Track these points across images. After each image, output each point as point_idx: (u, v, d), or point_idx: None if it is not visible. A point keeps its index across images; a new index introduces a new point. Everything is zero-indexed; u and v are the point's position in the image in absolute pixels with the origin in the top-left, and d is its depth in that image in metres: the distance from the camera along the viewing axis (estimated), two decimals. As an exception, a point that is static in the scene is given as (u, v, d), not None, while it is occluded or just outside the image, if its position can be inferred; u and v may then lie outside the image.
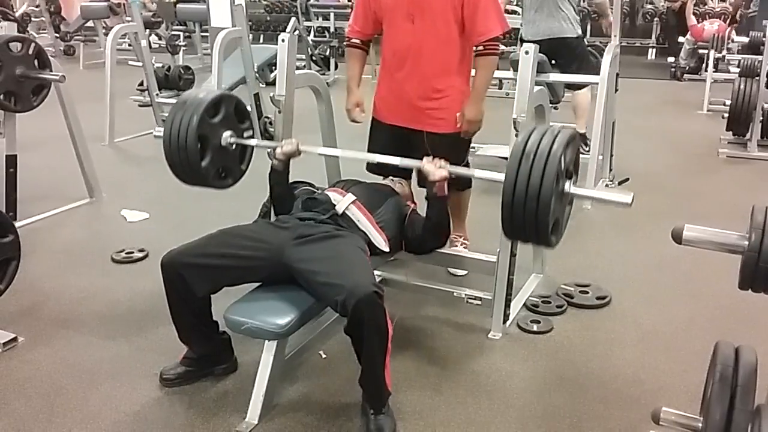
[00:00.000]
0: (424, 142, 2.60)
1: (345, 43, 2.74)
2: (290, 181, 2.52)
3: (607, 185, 4.09)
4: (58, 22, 10.26)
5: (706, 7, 8.92)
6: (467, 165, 2.69)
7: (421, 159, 2.61)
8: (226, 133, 2.26)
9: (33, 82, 3.22)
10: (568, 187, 1.77)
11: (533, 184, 1.66)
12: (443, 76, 2.51)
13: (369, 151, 2.75)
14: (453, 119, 2.54)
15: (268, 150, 2.57)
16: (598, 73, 3.87)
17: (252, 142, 2.35)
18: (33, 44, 3.18)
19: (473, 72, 2.60)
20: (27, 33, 9.12)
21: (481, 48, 2.46)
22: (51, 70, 3.26)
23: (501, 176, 1.76)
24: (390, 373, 1.88)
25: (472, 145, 2.85)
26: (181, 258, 1.95)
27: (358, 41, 2.66)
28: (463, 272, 2.78)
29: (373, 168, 2.70)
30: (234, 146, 2.29)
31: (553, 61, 4.11)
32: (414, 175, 2.59)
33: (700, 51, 7.52)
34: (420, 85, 2.53)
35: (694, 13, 8.47)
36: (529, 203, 1.67)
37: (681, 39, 8.39)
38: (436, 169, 2.10)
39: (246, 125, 2.36)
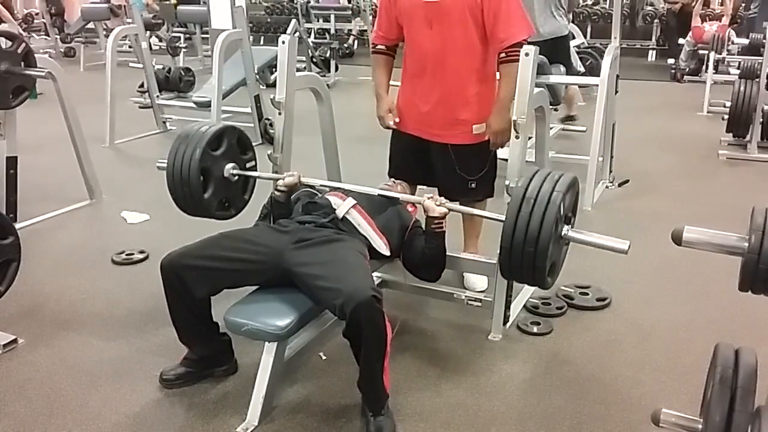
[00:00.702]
0: (446, 152, 2.55)
1: (371, 49, 2.71)
2: None
3: (607, 186, 4.10)
4: (59, 23, 10.28)
5: (708, 9, 8.93)
6: (494, 170, 2.63)
7: (441, 170, 2.59)
8: (229, 165, 2.29)
9: (16, 81, 3.15)
10: (566, 231, 1.79)
11: (532, 229, 1.69)
12: (465, 83, 2.45)
13: (390, 160, 2.73)
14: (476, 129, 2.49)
15: (269, 152, 2.58)
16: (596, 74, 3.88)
17: (254, 174, 2.38)
18: (23, 44, 3.13)
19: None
20: (28, 35, 9.15)
21: (503, 55, 2.38)
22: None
23: (501, 217, 1.79)
24: (389, 375, 1.88)
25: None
26: (181, 260, 1.95)
27: (383, 47, 2.62)
28: (483, 287, 2.69)
29: (390, 172, 2.69)
30: (236, 177, 2.31)
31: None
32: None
33: (701, 52, 7.52)
34: (441, 93, 2.48)
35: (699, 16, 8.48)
36: (527, 248, 1.70)
37: (681, 41, 8.40)
38: (437, 206, 2.11)
39: (248, 156, 2.38)
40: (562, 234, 1.78)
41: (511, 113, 2.42)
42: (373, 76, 2.68)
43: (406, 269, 2.28)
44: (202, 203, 2.24)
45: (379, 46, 2.64)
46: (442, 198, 2.15)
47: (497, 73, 2.49)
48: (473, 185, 2.54)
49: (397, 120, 2.62)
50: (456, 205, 2.18)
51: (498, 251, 2.34)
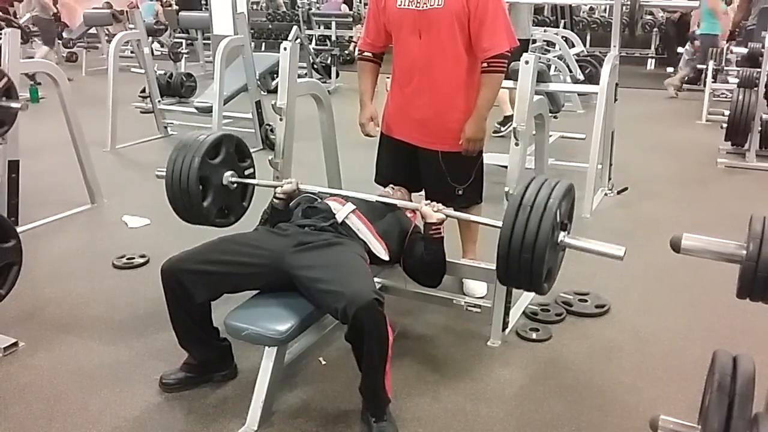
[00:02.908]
0: (434, 159, 2.55)
1: (357, 56, 2.70)
2: None
3: (606, 194, 4.11)
4: (60, 29, 10.30)
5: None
6: (481, 178, 2.64)
7: (430, 177, 2.60)
8: (227, 173, 2.30)
9: None
10: (562, 237, 1.81)
11: (529, 235, 1.71)
12: (452, 92, 2.46)
13: (377, 166, 2.74)
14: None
15: (270, 158, 2.59)
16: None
17: (252, 181, 2.39)
18: (6, 78, 2.98)
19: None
20: (31, 40, 9.17)
21: (485, 65, 2.40)
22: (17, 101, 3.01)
23: (498, 223, 1.80)
24: (390, 379, 1.88)
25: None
26: (181, 264, 1.96)
27: (369, 54, 2.62)
28: (482, 293, 2.70)
29: (376, 178, 2.71)
30: (235, 185, 2.32)
31: None
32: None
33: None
34: (429, 100, 2.48)
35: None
36: (524, 254, 1.72)
37: (680, 49, 8.43)
38: (434, 212, 2.13)
39: (247, 164, 2.39)
40: (558, 240, 1.80)
41: (487, 122, 2.47)
42: (359, 83, 2.67)
43: (408, 275, 2.29)
44: (202, 212, 2.26)
45: (365, 53, 2.64)
46: (440, 204, 2.17)
47: None
48: (460, 192, 2.55)
49: (378, 129, 2.63)
50: (453, 212, 2.20)
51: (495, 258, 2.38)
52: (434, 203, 2.17)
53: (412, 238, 2.26)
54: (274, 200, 2.30)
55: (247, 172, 2.38)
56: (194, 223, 2.33)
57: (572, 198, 1.85)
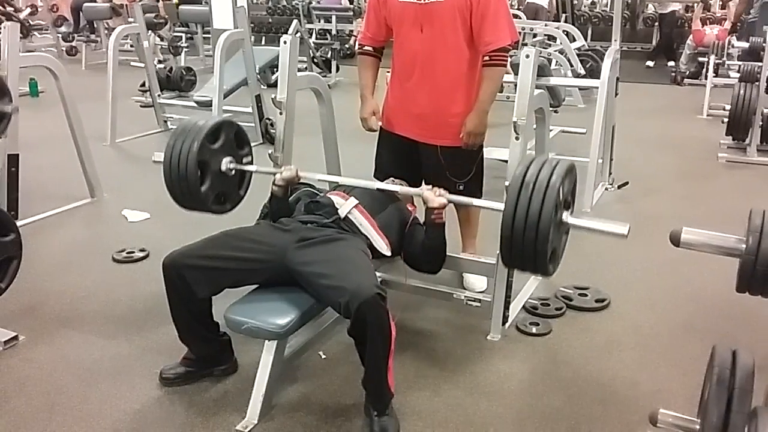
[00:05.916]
0: (434, 154, 2.55)
1: (357, 50, 2.70)
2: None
3: (606, 188, 4.11)
4: (60, 22, 10.26)
5: (708, 12, 8.93)
6: (481, 173, 2.64)
7: (430, 171, 2.60)
8: (226, 159, 2.28)
9: None
10: (566, 217, 1.80)
11: (532, 214, 1.69)
12: (453, 86, 2.45)
13: (376, 161, 2.74)
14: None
15: (270, 152, 2.59)
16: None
17: (251, 168, 2.37)
18: None
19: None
20: (30, 33, 9.15)
21: (487, 58, 2.39)
22: (11, 101, 2.88)
23: (500, 206, 1.78)
24: (393, 374, 1.89)
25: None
26: (183, 259, 1.95)
27: (370, 48, 2.61)
28: (482, 287, 2.69)
29: (376, 174, 2.71)
30: (233, 172, 2.31)
31: None
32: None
33: (700, 59, 7.54)
34: (429, 94, 2.47)
35: (700, 19, 8.49)
36: (528, 233, 1.70)
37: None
38: (435, 197, 2.12)
39: (245, 151, 2.38)
40: (562, 220, 1.78)
41: (488, 116, 2.46)
42: (359, 78, 2.66)
43: (408, 264, 2.29)
44: (199, 197, 2.24)
45: (366, 47, 2.63)
46: (441, 189, 2.16)
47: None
48: (461, 187, 2.54)
49: (380, 123, 2.61)
50: (455, 197, 2.20)
51: (496, 251, 2.38)
52: (436, 188, 2.16)
53: (412, 228, 2.27)
54: (274, 187, 2.28)
55: (245, 160, 2.36)
56: (191, 209, 2.31)
57: (574, 177, 1.82)
